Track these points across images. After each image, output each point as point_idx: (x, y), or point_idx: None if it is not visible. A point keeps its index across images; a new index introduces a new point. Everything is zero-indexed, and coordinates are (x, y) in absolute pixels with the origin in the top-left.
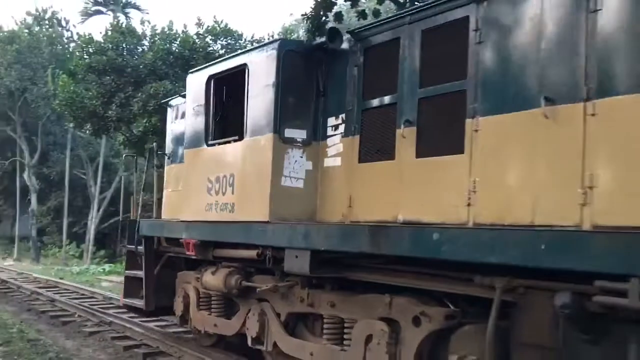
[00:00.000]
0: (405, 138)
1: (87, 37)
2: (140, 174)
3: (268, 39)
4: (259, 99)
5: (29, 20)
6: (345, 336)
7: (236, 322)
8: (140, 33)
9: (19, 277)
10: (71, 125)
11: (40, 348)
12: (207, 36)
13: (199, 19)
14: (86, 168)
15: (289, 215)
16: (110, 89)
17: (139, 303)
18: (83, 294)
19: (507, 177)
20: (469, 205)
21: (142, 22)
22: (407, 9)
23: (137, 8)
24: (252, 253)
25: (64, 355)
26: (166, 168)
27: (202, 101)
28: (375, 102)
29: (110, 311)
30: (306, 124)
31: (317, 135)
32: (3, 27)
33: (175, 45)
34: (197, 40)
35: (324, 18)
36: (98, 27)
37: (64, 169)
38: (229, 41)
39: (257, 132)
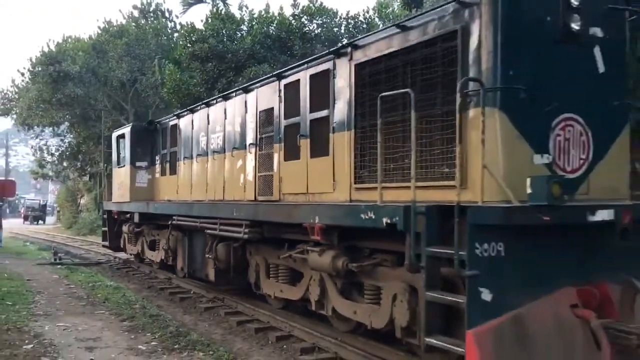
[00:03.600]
0: (160, 170)
1: (190, 26)
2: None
3: (363, 15)
4: (127, 149)
5: (136, 13)
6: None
7: (136, 248)
8: (238, 19)
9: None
10: None
11: (161, 322)
12: (302, 16)
13: (295, 0)
14: None
15: (141, 199)
16: (213, 75)
17: (107, 244)
18: None
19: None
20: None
21: (240, 8)
22: (164, 117)
23: None
24: (128, 215)
25: (183, 329)
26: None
27: (115, 146)
28: (164, 152)
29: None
30: (147, 159)
31: (153, 163)
32: (113, 22)
33: (272, 28)
34: (293, 22)
35: None
36: (199, 15)
37: None
38: (325, 20)
39: (127, 163)
